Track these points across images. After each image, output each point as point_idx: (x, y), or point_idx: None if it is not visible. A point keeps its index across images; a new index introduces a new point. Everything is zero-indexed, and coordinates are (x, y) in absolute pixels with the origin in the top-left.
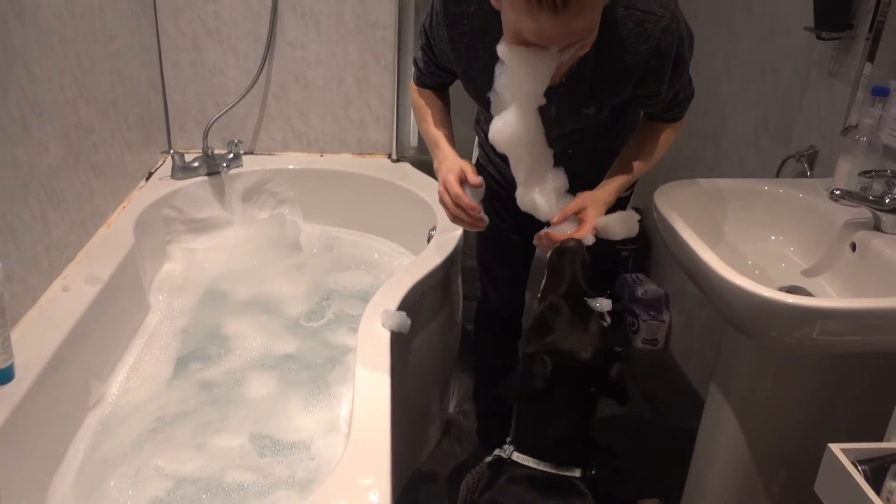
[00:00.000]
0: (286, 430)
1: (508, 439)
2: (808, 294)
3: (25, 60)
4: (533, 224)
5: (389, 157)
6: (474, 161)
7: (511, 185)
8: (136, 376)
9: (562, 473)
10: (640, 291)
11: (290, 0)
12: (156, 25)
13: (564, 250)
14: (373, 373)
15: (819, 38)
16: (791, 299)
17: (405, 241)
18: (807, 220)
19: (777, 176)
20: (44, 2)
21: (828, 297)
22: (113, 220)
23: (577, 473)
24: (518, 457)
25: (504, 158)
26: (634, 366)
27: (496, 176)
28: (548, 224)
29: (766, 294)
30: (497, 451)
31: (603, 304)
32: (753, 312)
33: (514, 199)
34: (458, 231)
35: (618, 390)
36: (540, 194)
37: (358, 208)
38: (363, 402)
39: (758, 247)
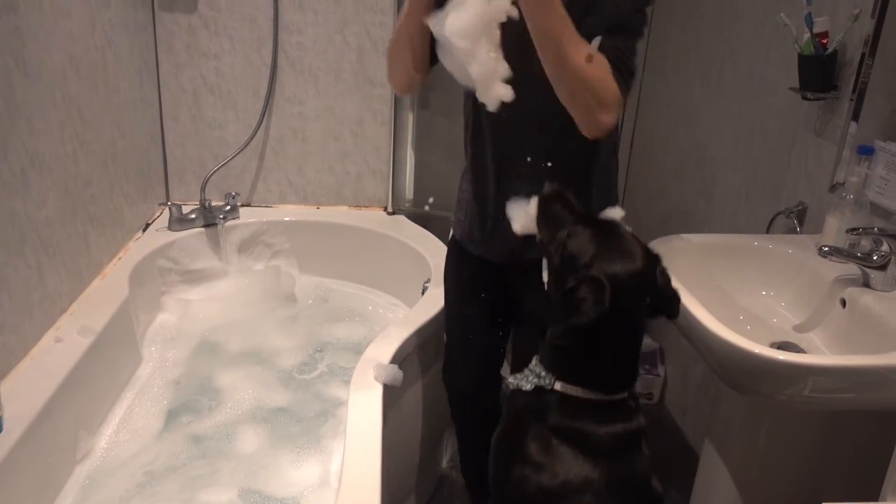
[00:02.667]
0: (276, 485)
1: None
2: (799, 350)
3: (28, 115)
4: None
5: (385, 209)
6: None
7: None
8: (125, 429)
9: (615, 398)
10: None
11: (289, 57)
12: (157, 80)
13: (549, 196)
14: (364, 427)
15: (805, 98)
16: (782, 356)
17: (400, 293)
18: (797, 276)
19: (767, 231)
20: (48, 59)
21: (819, 353)
22: (108, 270)
23: (625, 395)
24: (563, 387)
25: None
26: None
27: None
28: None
29: (757, 350)
30: (534, 380)
31: (614, 212)
32: (745, 369)
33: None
34: None
35: (668, 299)
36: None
37: (353, 260)
38: (354, 457)
39: (749, 302)
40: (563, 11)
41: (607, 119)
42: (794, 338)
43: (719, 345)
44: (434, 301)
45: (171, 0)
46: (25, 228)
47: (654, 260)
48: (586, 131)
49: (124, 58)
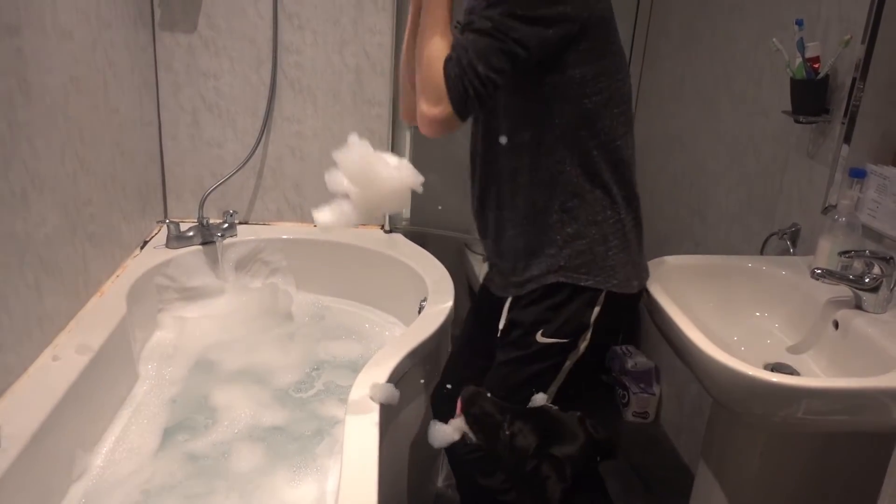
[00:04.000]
0: None
1: None
2: (794, 372)
3: (30, 135)
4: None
5: (382, 228)
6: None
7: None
8: (122, 447)
9: None
10: (630, 364)
11: (288, 77)
12: (157, 100)
13: (471, 400)
14: (361, 446)
15: (797, 121)
16: (776, 378)
17: (396, 311)
18: (790, 298)
19: (761, 252)
20: (50, 79)
21: (813, 375)
22: (106, 288)
23: None
24: None
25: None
26: (624, 439)
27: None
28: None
29: (750, 373)
30: None
31: (537, 399)
32: (738, 390)
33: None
34: (450, 302)
35: (607, 450)
36: None
37: (350, 278)
38: (350, 476)
39: (743, 323)
40: (442, 10)
41: (427, 110)
42: (788, 359)
43: (713, 366)
44: (431, 319)
45: (172, 20)
46: (25, 248)
47: (586, 425)
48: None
49: (125, 78)
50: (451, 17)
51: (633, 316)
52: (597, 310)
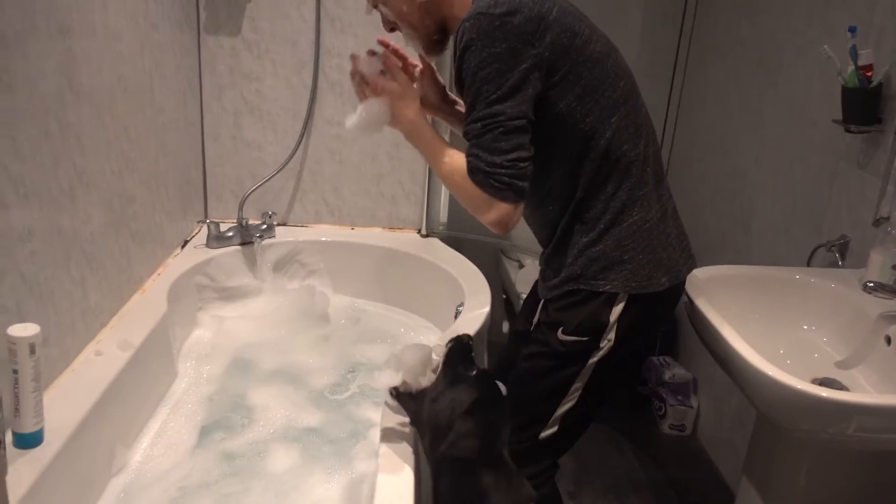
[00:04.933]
0: None
1: None
2: (842, 387)
3: (78, 134)
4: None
5: (419, 231)
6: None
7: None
8: (160, 443)
9: None
10: (667, 375)
11: (329, 80)
12: (200, 101)
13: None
14: (396, 450)
15: (848, 130)
16: (825, 393)
17: (432, 315)
18: (840, 311)
19: (808, 264)
20: (99, 79)
21: (864, 391)
22: (148, 286)
23: None
24: None
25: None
26: (661, 452)
27: None
28: None
29: (799, 387)
30: None
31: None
32: (786, 405)
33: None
34: (486, 308)
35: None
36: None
37: (386, 281)
38: (386, 480)
39: (790, 336)
40: (427, 134)
41: (484, 218)
42: (836, 374)
43: (760, 379)
44: (467, 325)
45: (217, 23)
46: (71, 244)
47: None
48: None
49: (170, 79)
50: (434, 129)
51: (672, 313)
52: (616, 310)
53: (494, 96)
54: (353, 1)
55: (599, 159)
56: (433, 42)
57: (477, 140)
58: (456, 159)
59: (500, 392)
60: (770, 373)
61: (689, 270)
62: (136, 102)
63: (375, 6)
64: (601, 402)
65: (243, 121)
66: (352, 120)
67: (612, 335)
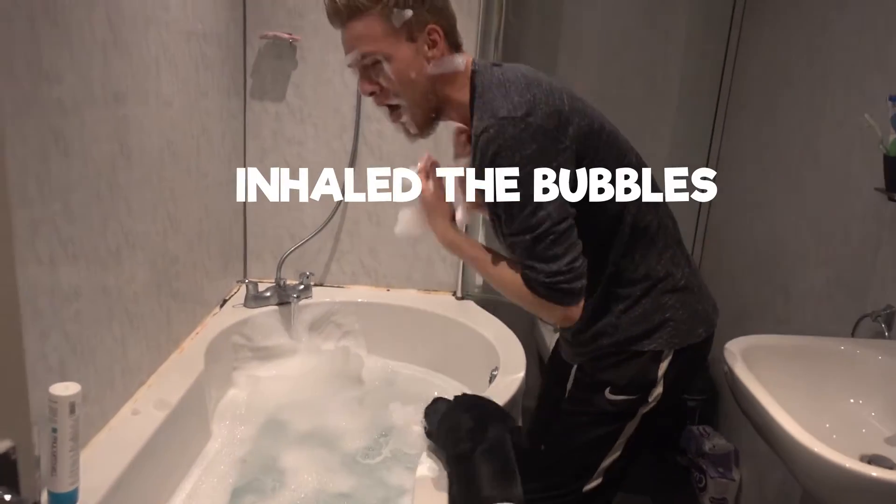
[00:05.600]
0: None
1: None
2: (893, 465)
3: (127, 196)
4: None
5: (454, 294)
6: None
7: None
8: None
9: None
10: (707, 446)
11: (369, 143)
12: (244, 164)
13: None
14: None
15: (891, 199)
16: (876, 472)
17: (466, 379)
18: (888, 384)
19: (853, 335)
20: (149, 144)
21: None
22: (186, 344)
23: None
24: None
25: None
26: None
27: None
28: None
29: (848, 465)
30: None
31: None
32: (834, 484)
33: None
34: (521, 373)
35: None
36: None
37: (421, 343)
38: None
39: (835, 410)
40: (462, 249)
41: (551, 320)
42: (886, 451)
43: (805, 456)
44: (502, 390)
45: (262, 89)
46: (115, 302)
47: None
48: None
49: (216, 143)
50: (472, 241)
51: (704, 362)
52: (664, 365)
53: (535, 202)
54: None
55: (628, 233)
56: (430, 120)
57: (529, 252)
58: (506, 273)
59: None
60: (816, 449)
61: (717, 317)
62: (182, 165)
63: (364, 63)
64: (643, 449)
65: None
66: (397, 226)
67: (659, 389)
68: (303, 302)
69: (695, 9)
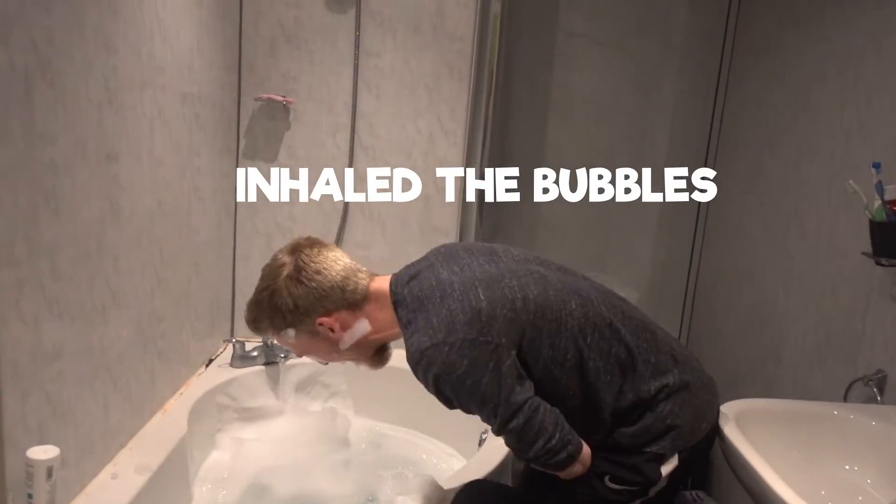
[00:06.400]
0: None
1: None
2: None
3: (115, 255)
4: None
5: None
6: None
7: None
8: None
9: None
10: None
11: (361, 206)
12: (234, 223)
13: None
14: None
15: (878, 263)
16: None
17: (455, 442)
18: (883, 450)
19: (845, 399)
20: (140, 203)
21: None
22: (170, 405)
23: None
24: None
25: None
26: None
27: None
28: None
29: None
30: None
31: None
32: None
33: None
34: None
35: None
36: None
37: (409, 405)
38: None
39: (830, 476)
40: None
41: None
42: None
43: None
44: (492, 453)
45: (255, 150)
46: (98, 362)
47: None
48: None
49: (207, 202)
50: None
51: (709, 451)
52: (668, 466)
53: (490, 407)
54: (385, 132)
55: (602, 376)
56: (375, 360)
57: (517, 441)
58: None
59: None
60: None
61: (717, 400)
62: (172, 224)
63: (295, 350)
64: None
65: (274, 242)
66: None
67: (663, 484)
68: (290, 362)
69: (683, 71)
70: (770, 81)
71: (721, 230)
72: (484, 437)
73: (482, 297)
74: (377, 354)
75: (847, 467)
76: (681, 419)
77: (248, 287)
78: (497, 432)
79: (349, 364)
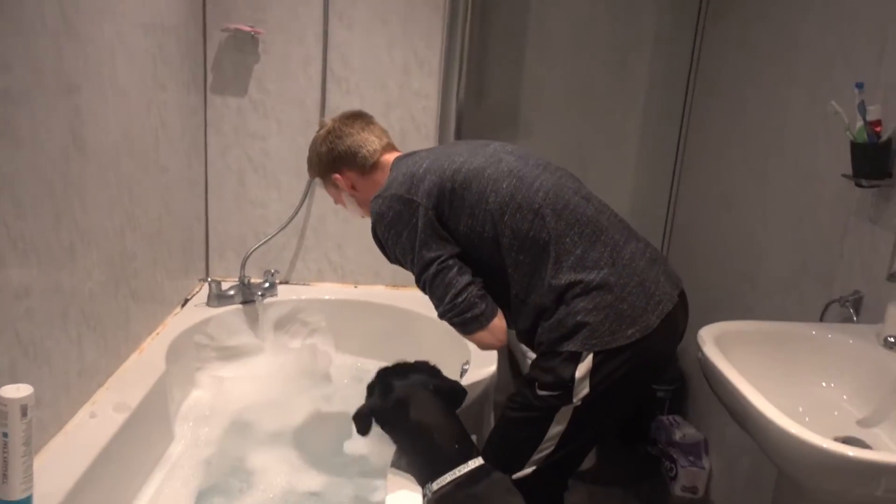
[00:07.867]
0: None
1: None
2: (866, 446)
3: (81, 191)
4: None
5: None
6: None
7: None
8: None
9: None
10: (677, 435)
11: None
12: (205, 160)
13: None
14: None
15: (858, 185)
16: (853, 452)
17: None
18: (859, 368)
19: (821, 320)
20: (105, 138)
21: (889, 451)
22: (146, 345)
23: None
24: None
25: None
26: None
27: None
28: None
29: (824, 445)
30: None
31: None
32: (810, 464)
33: None
34: (492, 366)
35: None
36: None
37: (390, 340)
38: None
39: (808, 393)
40: None
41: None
42: (858, 433)
43: (781, 438)
44: (474, 384)
45: (223, 84)
46: (69, 302)
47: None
48: None
49: (175, 138)
50: None
51: (664, 359)
52: (583, 366)
53: (410, 257)
54: (360, 62)
55: (514, 255)
56: None
57: (430, 295)
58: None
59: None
60: (793, 431)
61: (665, 312)
62: (140, 161)
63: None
64: (583, 447)
65: (247, 179)
66: None
67: (585, 389)
68: (268, 300)
69: (662, 7)
70: (751, 12)
71: (702, 161)
72: (465, 368)
73: (424, 166)
74: None
75: (824, 384)
76: (593, 318)
77: (221, 226)
78: (417, 283)
79: (328, 302)
